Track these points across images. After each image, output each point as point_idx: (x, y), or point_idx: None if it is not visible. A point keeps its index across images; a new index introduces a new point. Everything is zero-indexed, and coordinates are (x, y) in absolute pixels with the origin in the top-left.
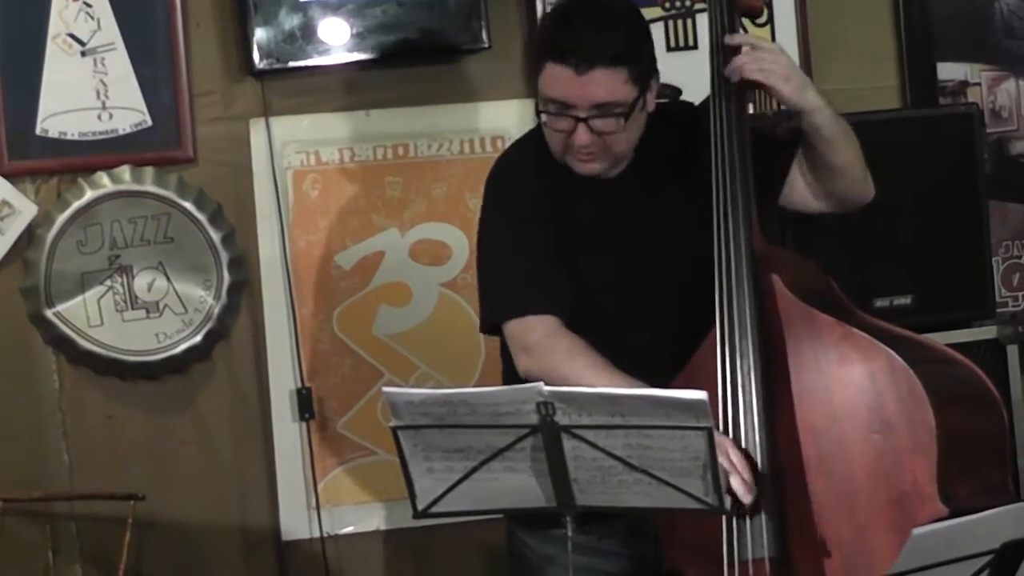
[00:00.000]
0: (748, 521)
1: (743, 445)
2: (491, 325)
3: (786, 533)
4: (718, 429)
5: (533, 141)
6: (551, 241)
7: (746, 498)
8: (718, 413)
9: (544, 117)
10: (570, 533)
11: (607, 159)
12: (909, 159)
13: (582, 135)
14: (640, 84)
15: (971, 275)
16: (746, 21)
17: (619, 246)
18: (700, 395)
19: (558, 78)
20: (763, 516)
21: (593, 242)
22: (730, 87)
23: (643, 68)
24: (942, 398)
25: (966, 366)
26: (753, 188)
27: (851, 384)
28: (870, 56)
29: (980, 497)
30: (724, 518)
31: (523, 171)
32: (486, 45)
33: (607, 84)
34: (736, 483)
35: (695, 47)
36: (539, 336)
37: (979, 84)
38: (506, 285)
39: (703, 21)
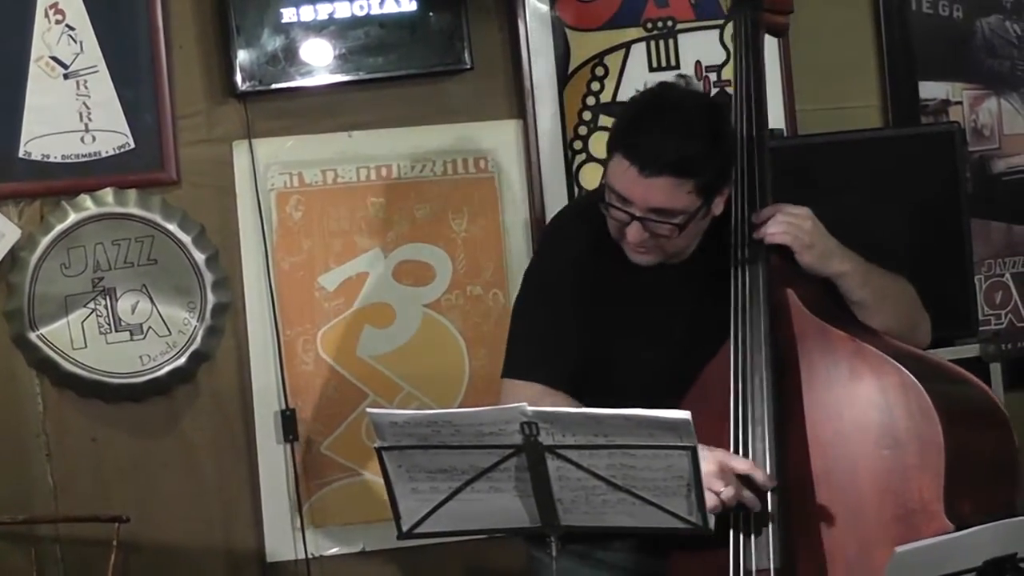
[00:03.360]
0: (754, 532)
1: (751, 457)
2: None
3: (791, 545)
4: (729, 441)
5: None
6: (571, 315)
7: (756, 503)
8: (729, 425)
9: (605, 204)
10: (555, 553)
11: (660, 255)
12: (891, 178)
13: (634, 232)
14: (705, 195)
15: (954, 293)
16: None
17: (662, 335)
18: (683, 415)
19: (623, 173)
20: (769, 527)
21: (633, 325)
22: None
23: (711, 179)
24: (952, 416)
25: (977, 386)
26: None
27: (862, 399)
28: (852, 75)
29: (987, 515)
30: (731, 529)
31: (575, 238)
32: (468, 66)
33: (669, 192)
34: (760, 476)
35: (677, 67)
36: (523, 400)
37: (961, 103)
38: (515, 346)
39: (684, 42)
